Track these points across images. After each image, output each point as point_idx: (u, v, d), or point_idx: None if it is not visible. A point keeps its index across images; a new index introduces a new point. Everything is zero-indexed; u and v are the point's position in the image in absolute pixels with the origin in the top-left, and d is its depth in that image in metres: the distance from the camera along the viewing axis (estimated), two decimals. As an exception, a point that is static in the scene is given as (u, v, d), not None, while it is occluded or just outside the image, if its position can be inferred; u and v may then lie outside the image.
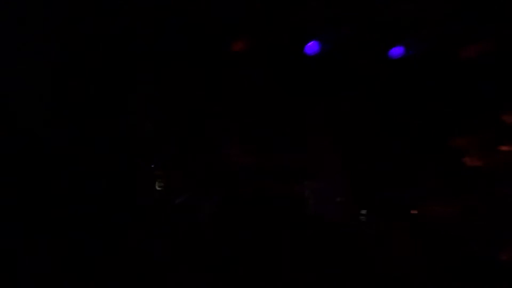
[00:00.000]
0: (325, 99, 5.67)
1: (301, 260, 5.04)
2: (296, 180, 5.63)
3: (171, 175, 5.57)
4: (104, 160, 5.20)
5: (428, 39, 5.45)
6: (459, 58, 5.53)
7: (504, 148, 5.44)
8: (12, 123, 5.01)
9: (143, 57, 5.44)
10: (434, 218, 5.54)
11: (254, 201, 5.50)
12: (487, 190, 5.41)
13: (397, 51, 5.53)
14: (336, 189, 5.64)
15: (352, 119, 5.68)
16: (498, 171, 5.42)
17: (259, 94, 5.61)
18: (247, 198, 5.51)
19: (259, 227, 5.25)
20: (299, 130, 5.67)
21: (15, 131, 5.01)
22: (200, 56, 5.45)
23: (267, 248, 5.07)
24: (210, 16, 5.37)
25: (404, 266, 5.07)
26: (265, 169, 5.60)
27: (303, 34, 5.43)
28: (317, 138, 5.71)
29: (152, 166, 5.52)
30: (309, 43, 5.41)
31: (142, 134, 5.47)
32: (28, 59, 5.02)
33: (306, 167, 5.68)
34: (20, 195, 4.75)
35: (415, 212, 5.61)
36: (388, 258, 5.20)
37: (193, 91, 5.59)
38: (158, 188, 5.52)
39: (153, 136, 5.53)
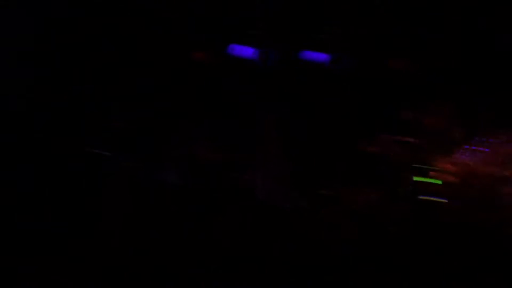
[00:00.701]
0: (271, 103, 6.47)
1: (251, 238, 5.60)
2: (248, 171, 6.34)
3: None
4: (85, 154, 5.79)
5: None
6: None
7: (407, 139, 6.37)
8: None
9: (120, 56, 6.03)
10: (361, 203, 6.40)
11: (214, 189, 6.18)
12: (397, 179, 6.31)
13: (320, 57, 6.47)
14: (281, 178, 6.39)
15: (293, 120, 6.51)
16: (403, 161, 6.31)
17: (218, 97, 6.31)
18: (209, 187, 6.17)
19: (219, 212, 5.88)
20: (250, 129, 6.35)
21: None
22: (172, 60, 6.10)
23: (226, 230, 5.64)
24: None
25: (338, 245, 5.66)
26: (222, 162, 6.26)
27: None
28: (265, 136, 6.42)
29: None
30: (245, 47, 6.23)
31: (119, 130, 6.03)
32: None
33: (256, 160, 6.38)
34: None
35: (346, 198, 6.43)
36: (324, 238, 5.80)
37: (165, 92, 6.18)
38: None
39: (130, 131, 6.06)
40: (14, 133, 5.59)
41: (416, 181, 6.13)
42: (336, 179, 6.39)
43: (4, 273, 4.04)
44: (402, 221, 5.92)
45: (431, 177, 6.30)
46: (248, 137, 6.30)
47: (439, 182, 6.29)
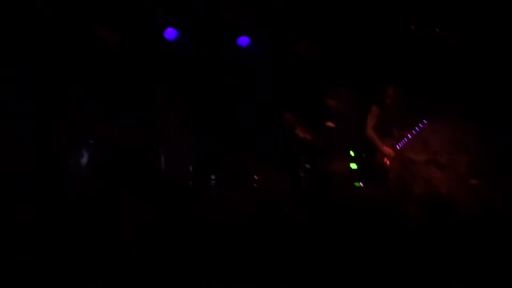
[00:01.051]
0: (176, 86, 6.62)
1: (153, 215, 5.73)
2: (154, 151, 6.48)
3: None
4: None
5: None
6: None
7: (329, 124, 6.26)
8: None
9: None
10: (268, 185, 6.33)
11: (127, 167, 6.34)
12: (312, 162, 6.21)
13: (243, 41, 6.59)
14: (185, 158, 6.47)
15: (198, 102, 6.64)
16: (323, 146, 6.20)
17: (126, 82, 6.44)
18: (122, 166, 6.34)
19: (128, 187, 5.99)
20: (154, 112, 6.52)
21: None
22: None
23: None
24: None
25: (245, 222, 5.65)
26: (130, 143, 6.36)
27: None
28: (169, 118, 6.56)
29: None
30: (168, 29, 6.46)
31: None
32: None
33: (161, 142, 6.52)
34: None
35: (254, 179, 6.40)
36: (231, 216, 5.85)
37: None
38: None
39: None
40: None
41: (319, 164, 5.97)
42: (242, 160, 6.39)
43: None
44: (300, 202, 5.78)
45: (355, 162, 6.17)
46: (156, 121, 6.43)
47: (355, 166, 6.09)
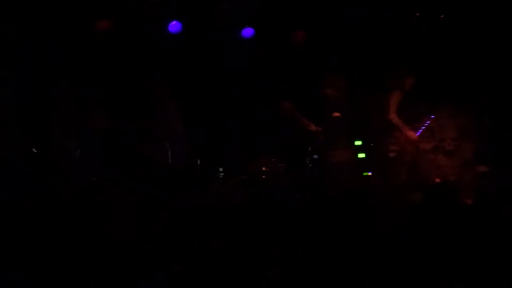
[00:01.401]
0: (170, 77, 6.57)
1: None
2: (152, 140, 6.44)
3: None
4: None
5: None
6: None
7: (335, 114, 6.25)
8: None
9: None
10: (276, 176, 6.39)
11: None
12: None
13: (247, 32, 6.57)
14: (182, 147, 6.49)
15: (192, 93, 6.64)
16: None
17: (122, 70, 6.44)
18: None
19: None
20: (152, 103, 6.46)
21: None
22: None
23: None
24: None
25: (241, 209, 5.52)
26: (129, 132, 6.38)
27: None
28: (165, 110, 6.51)
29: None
30: (172, 23, 6.42)
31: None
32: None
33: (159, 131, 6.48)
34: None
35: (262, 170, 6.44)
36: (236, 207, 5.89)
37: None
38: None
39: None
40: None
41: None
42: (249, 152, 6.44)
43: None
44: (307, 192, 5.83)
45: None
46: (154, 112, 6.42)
47: (363, 155, 6.12)
